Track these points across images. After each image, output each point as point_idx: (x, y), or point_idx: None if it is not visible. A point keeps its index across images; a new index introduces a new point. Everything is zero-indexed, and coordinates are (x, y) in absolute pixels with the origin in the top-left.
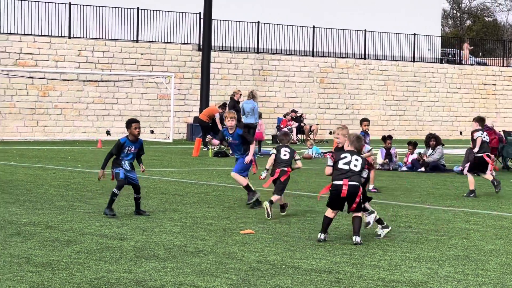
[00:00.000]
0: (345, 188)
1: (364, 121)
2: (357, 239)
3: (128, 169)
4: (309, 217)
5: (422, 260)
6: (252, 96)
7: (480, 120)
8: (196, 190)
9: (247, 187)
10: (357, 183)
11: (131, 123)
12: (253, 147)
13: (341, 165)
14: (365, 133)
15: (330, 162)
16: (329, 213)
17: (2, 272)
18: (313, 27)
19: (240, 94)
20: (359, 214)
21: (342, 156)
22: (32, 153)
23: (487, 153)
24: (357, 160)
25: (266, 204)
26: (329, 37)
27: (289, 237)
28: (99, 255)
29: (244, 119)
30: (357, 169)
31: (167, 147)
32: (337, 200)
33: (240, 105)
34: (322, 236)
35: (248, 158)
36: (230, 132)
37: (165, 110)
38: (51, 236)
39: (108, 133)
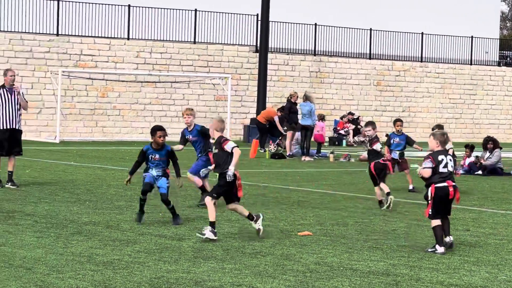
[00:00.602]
0: (451, 189)
1: (397, 121)
2: (451, 238)
3: (155, 175)
4: (366, 219)
5: (481, 264)
6: (306, 98)
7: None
8: (253, 191)
9: (202, 188)
10: (455, 184)
11: (156, 130)
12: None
13: (441, 169)
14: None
15: (430, 164)
16: (438, 221)
17: (65, 270)
18: (370, 29)
19: (297, 96)
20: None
21: (440, 159)
22: (92, 153)
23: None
24: (450, 160)
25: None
26: (386, 39)
27: (347, 239)
28: (158, 255)
29: (301, 121)
30: (452, 169)
31: None
32: (443, 203)
33: (297, 107)
34: (442, 249)
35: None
36: (189, 129)
37: (222, 112)
38: (111, 235)
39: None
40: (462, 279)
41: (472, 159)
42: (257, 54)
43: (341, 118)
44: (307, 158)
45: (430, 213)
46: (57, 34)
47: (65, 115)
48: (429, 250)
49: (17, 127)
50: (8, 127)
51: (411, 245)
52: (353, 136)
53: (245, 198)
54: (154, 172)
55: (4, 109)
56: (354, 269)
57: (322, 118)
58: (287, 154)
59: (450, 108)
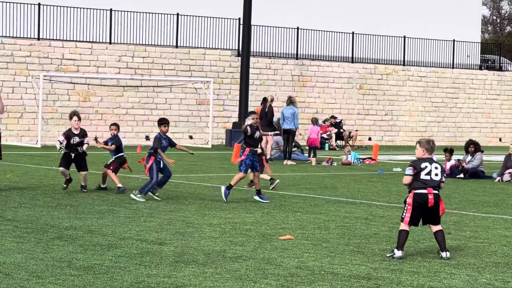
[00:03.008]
0: (431, 196)
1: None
2: (447, 254)
3: None
4: (348, 223)
5: (461, 267)
6: (290, 101)
7: None
8: (235, 195)
9: None
10: (438, 192)
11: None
12: None
13: (423, 176)
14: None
15: (410, 172)
16: (406, 227)
17: (45, 276)
18: (353, 33)
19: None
20: (440, 228)
21: (422, 166)
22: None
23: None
24: (436, 168)
25: None
26: (369, 43)
27: (328, 243)
28: (139, 260)
29: (283, 125)
30: (438, 178)
31: (206, 152)
32: (420, 210)
33: (280, 111)
34: (400, 253)
35: None
36: None
37: (204, 116)
38: (92, 240)
39: (147, 138)
40: (442, 282)
41: (452, 162)
42: (239, 58)
43: (324, 121)
44: (289, 162)
45: (403, 216)
46: (38, 38)
47: (47, 120)
48: (388, 255)
49: None
50: None
51: (392, 249)
52: (336, 139)
53: (227, 202)
54: None
55: None
56: (335, 273)
57: (316, 121)
58: (267, 158)
59: (433, 111)
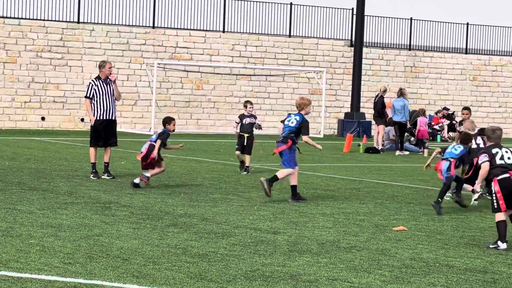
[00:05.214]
0: None
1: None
2: None
3: None
4: (462, 215)
5: None
6: (401, 93)
7: None
8: (348, 185)
9: None
10: None
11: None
12: None
13: (498, 161)
14: None
15: (485, 158)
16: (502, 216)
17: (161, 262)
18: (467, 23)
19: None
20: None
21: (494, 152)
22: (186, 145)
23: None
24: (507, 152)
25: None
26: (484, 34)
27: (442, 235)
28: (253, 248)
29: (394, 117)
30: (511, 161)
31: (318, 142)
32: (509, 195)
33: (391, 103)
34: (505, 245)
35: None
36: None
37: (316, 106)
38: (207, 228)
39: (259, 127)
40: None
41: None
42: (352, 48)
43: (436, 113)
44: (403, 153)
45: (495, 206)
46: (153, 27)
47: (160, 107)
48: (491, 246)
49: (113, 118)
50: (105, 118)
51: (496, 240)
52: (448, 131)
53: (339, 192)
54: None
55: (101, 100)
56: (450, 265)
57: (423, 113)
58: (381, 148)
59: None
